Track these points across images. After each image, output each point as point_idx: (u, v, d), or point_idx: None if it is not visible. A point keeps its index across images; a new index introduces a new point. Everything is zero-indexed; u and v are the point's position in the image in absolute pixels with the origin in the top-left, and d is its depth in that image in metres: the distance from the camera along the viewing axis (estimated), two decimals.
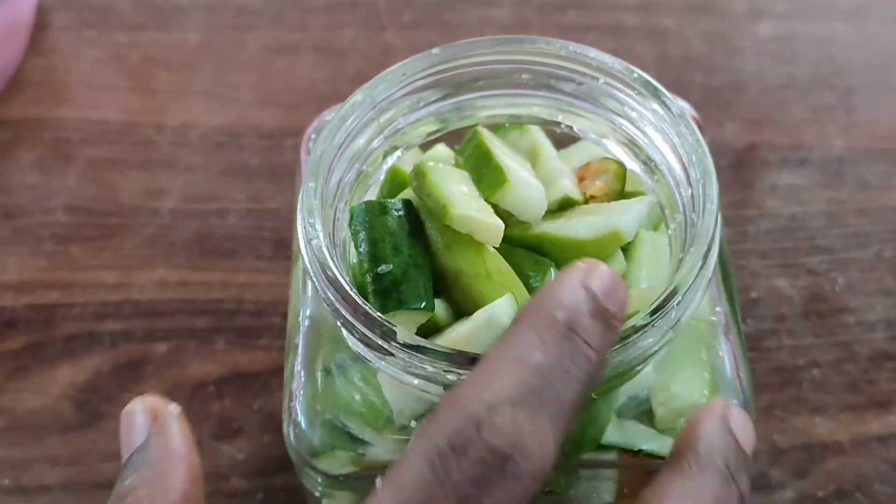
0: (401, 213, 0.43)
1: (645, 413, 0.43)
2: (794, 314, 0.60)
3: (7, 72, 0.71)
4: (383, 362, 0.39)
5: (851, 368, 0.58)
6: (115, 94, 0.71)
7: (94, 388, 0.58)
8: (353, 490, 0.44)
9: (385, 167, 0.46)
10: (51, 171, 0.67)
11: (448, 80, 0.45)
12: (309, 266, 0.40)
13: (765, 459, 0.55)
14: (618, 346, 0.37)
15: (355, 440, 0.43)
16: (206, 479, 0.54)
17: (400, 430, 0.42)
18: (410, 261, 0.42)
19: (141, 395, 0.56)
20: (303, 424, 0.43)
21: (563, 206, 0.45)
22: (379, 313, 0.38)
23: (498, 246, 0.42)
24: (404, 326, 0.38)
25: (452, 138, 0.47)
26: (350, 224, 0.43)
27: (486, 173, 0.44)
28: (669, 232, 0.43)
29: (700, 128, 0.43)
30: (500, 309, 0.40)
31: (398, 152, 0.46)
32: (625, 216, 0.42)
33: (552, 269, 0.42)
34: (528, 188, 0.43)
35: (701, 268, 0.39)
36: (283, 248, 0.63)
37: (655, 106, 0.43)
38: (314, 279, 0.40)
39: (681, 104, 0.44)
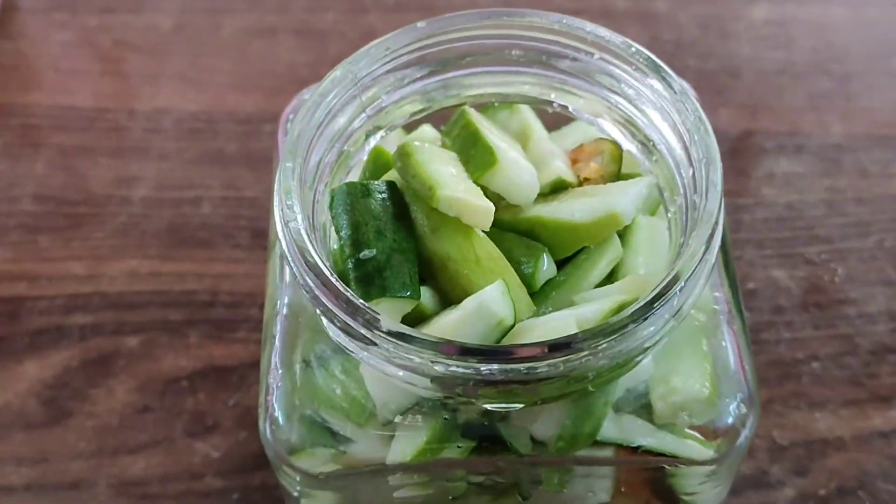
0: (384, 195, 0.41)
1: (643, 407, 0.41)
2: (793, 306, 0.58)
3: None
4: (366, 353, 0.37)
5: (852, 362, 0.56)
6: (86, 79, 0.69)
7: (61, 383, 0.56)
8: (333, 489, 0.42)
9: (367, 148, 0.44)
10: (18, 158, 0.65)
11: (434, 55, 0.43)
12: (287, 250, 0.37)
13: (764, 456, 0.53)
14: (617, 336, 0.35)
15: (336, 437, 0.41)
16: (180, 479, 0.53)
17: (384, 426, 0.40)
18: (395, 246, 0.39)
19: (111, 390, 0.55)
20: (280, 420, 0.40)
21: (555, 189, 0.42)
22: (361, 300, 0.36)
23: (487, 230, 0.40)
24: (388, 315, 0.36)
25: (438, 119, 0.45)
26: (330, 207, 0.40)
27: (474, 154, 0.42)
28: (669, 215, 0.41)
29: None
30: (490, 296, 0.38)
31: (381, 132, 0.44)
32: (622, 198, 0.40)
33: (545, 255, 0.40)
34: (518, 169, 0.41)
35: (704, 253, 0.37)
36: (261, 238, 0.60)
37: (654, 83, 0.41)
38: (292, 264, 0.37)
39: (681, 82, 0.41)
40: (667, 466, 0.41)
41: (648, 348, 0.37)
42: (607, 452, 0.41)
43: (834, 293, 0.59)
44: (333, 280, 0.36)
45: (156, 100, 0.67)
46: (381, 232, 0.40)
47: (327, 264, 0.37)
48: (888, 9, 0.72)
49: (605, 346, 0.35)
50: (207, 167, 0.64)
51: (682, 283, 0.36)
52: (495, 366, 0.35)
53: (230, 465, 0.53)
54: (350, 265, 0.39)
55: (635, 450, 0.40)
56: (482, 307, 0.37)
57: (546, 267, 0.40)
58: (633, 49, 0.41)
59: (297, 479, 0.41)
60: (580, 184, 0.43)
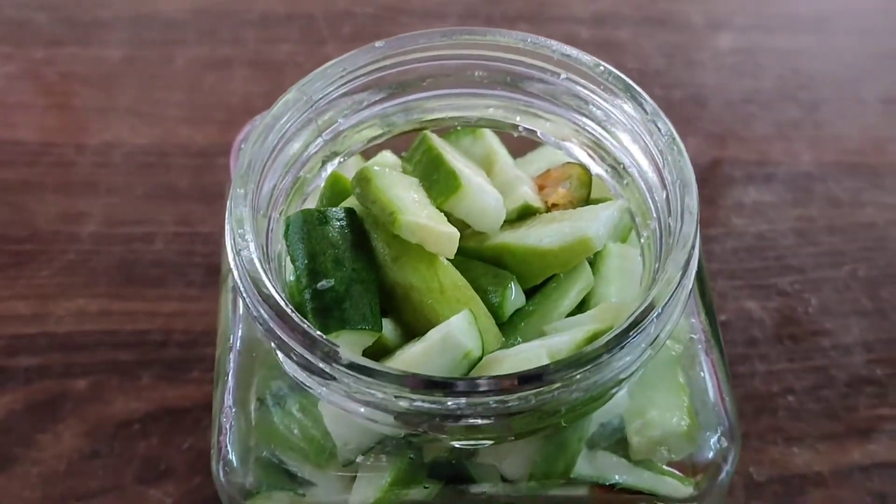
0: (343, 222, 0.39)
1: (618, 443, 0.39)
2: (766, 338, 0.56)
3: None
4: (325, 389, 0.35)
5: (829, 394, 0.54)
6: (31, 113, 0.66)
7: (5, 428, 0.54)
8: None
9: (324, 174, 0.42)
10: None
11: (393, 77, 0.41)
12: (239, 281, 0.35)
13: (741, 494, 0.51)
14: (591, 367, 0.33)
15: (295, 479, 0.39)
16: None
17: (345, 467, 0.38)
18: (354, 275, 0.38)
19: (59, 435, 0.52)
20: (234, 462, 0.38)
21: (523, 215, 0.41)
22: (319, 332, 0.34)
23: (452, 258, 0.38)
24: (348, 349, 0.34)
25: (397, 146, 0.43)
26: (285, 235, 0.39)
27: (437, 179, 0.40)
28: (642, 241, 0.39)
29: None
30: (456, 326, 0.36)
31: (338, 158, 0.42)
32: (594, 222, 0.38)
33: (513, 283, 0.38)
34: (483, 194, 0.40)
35: (681, 278, 0.35)
36: (216, 275, 0.58)
37: (624, 104, 0.40)
38: (245, 296, 0.35)
39: (652, 103, 0.40)
40: None
41: (624, 380, 0.35)
42: (581, 491, 0.39)
43: (808, 324, 0.57)
44: (289, 311, 0.34)
45: (105, 134, 0.65)
46: (339, 261, 0.38)
47: (282, 296, 0.35)
48: (853, 36, 0.71)
49: (578, 377, 0.33)
50: (159, 202, 0.62)
51: (659, 310, 0.34)
52: (463, 400, 0.33)
53: None
54: (307, 296, 0.37)
55: (611, 487, 0.38)
56: (448, 338, 0.36)
57: (514, 296, 0.38)
58: (602, 68, 0.40)
59: None
60: (548, 210, 0.41)
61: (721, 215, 0.61)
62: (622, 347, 0.34)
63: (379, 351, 0.38)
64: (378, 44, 0.40)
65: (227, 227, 0.36)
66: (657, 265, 0.37)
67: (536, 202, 0.41)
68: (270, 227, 0.39)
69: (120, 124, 0.65)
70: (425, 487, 0.37)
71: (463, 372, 0.36)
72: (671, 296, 0.35)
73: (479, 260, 0.39)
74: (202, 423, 0.53)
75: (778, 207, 0.62)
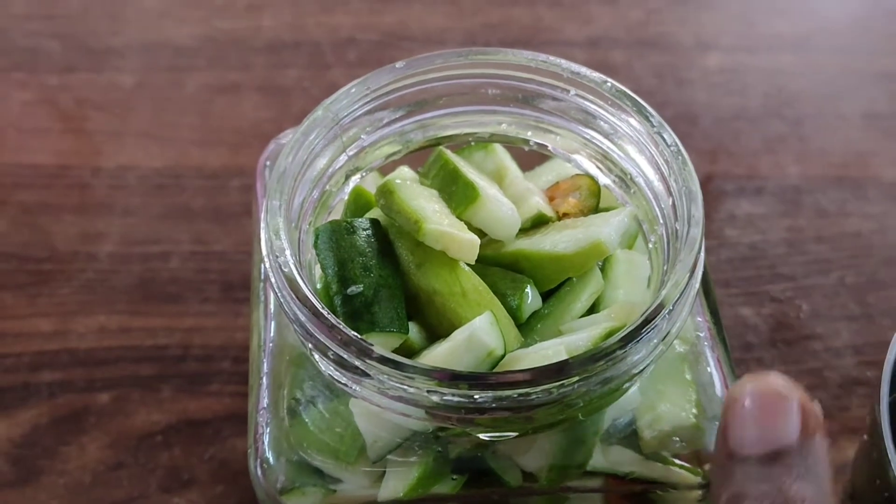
0: (369, 232, 0.41)
1: (630, 438, 0.41)
2: (761, 343, 0.59)
3: None
4: (359, 386, 0.36)
5: (823, 396, 0.57)
6: (47, 138, 0.68)
7: (30, 442, 0.55)
8: None
9: (347, 189, 0.44)
10: None
11: (412, 96, 0.43)
12: (276, 286, 0.37)
13: None
14: (607, 361, 0.35)
15: (326, 476, 0.40)
16: None
17: (374, 463, 0.40)
18: (381, 281, 0.40)
19: (83, 448, 0.54)
20: (271, 460, 0.40)
21: (536, 224, 0.43)
22: (353, 331, 0.36)
23: (473, 263, 0.40)
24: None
25: (412, 163, 0.45)
26: (315, 245, 0.40)
27: (455, 191, 0.42)
28: (650, 246, 0.42)
29: None
30: (479, 326, 0.38)
31: (360, 173, 0.44)
32: (605, 227, 0.40)
33: (530, 286, 0.40)
34: (500, 205, 0.42)
35: (689, 279, 0.37)
36: (231, 291, 0.60)
37: (630, 118, 0.42)
38: (282, 300, 0.37)
39: (658, 116, 0.42)
40: (659, 492, 0.41)
41: (637, 374, 0.37)
42: (597, 482, 0.41)
43: (800, 329, 0.59)
44: (325, 312, 0.36)
45: (119, 157, 0.67)
46: (367, 268, 0.40)
47: (318, 298, 0.37)
48: (833, 55, 0.74)
49: (596, 370, 0.35)
50: (174, 222, 0.64)
51: (670, 308, 0.36)
52: (489, 393, 0.35)
53: None
54: (338, 302, 0.39)
55: (624, 478, 0.40)
56: (472, 338, 0.37)
57: (531, 299, 0.40)
58: (609, 84, 0.42)
59: None
60: (559, 219, 0.43)
61: (714, 227, 0.64)
62: (638, 342, 0.36)
63: (405, 353, 0.39)
64: (398, 64, 0.42)
65: (263, 237, 0.38)
66: (665, 267, 0.40)
67: (549, 211, 0.43)
68: (301, 239, 0.41)
69: (134, 147, 0.67)
70: (453, 479, 0.39)
71: (487, 370, 0.38)
72: (680, 295, 0.37)
73: (497, 266, 0.41)
74: (222, 434, 0.55)
75: (768, 219, 0.64)
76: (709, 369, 0.42)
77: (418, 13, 0.75)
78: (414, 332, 0.40)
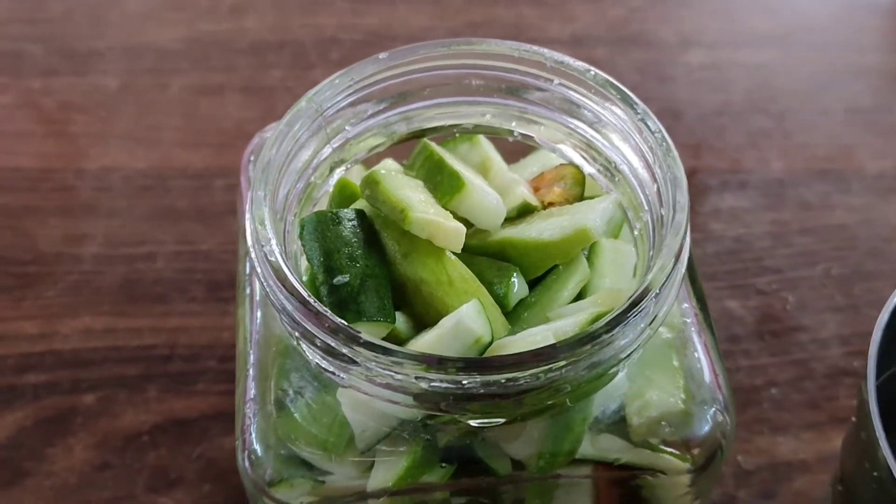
0: (354, 222, 0.41)
1: (618, 424, 0.41)
2: (748, 335, 0.59)
3: None
4: (346, 374, 0.36)
5: (810, 386, 0.57)
6: (30, 141, 0.68)
7: (16, 444, 0.55)
8: None
9: (332, 181, 0.44)
10: None
11: (396, 87, 0.43)
12: (262, 276, 0.37)
13: (730, 482, 0.53)
14: (595, 344, 0.35)
15: (314, 467, 0.40)
16: None
17: (362, 453, 0.39)
18: (367, 271, 0.39)
19: (69, 449, 0.54)
20: (258, 451, 0.40)
21: (522, 213, 0.43)
22: (340, 319, 0.36)
23: (459, 252, 0.40)
24: None
25: (397, 155, 0.45)
26: (301, 235, 0.40)
27: (440, 181, 0.42)
28: (636, 232, 0.42)
29: None
30: (467, 314, 0.38)
31: (345, 165, 0.44)
32: (591, 214, 0.40)
33: (516, 274, 0.40)
34: (485, 194, 0.42)
35: (675, 263, 0.37)
36: (217, 290, 0.60)
37: (614, 106, 0.42)
38: (269, 290, 0.37)
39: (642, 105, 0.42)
40: (648, 478, 0.41)
41: (625, 358, 0.37)
42: (585, 470, 0.41)
43: (787, 321, 0.60)
44: (312, 301, 0.36)
45: (104, 159, 0.67)
46: (353, 258, 0.40)
47: (304, 287, 0.37)
48: (814, 51, 0.74)
49: (584, 354, 0.35)
50: (159, 223, 0.63)
51: (657, 291, 0.36)
52: (477, 377, 0.35)
53: None
54: (324, 291, 0.39)
55: (612, 465, 0.40)
56: (459, 325, 0.37)
57: (518, 287, 0.40)
58: (592, 73, 0.42)
59: None
60: (544, 208, 0.43)
61: (699, 221, 0.64)
62: (625, 325, 0.36)
63: (392, 342, 0.39)
64: (382, 55, 0.42)
65: (248, 227, 0.38)
66: (651, 252, 0.40)
67: (534, 201, 0.43)
68: (286, 230, 0.41)
69: (118, 149, 0.67)
70: (442, 468, 0.39)
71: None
72: (667, 278, 0.37)
73: (484, 255, 0.41)
74: (209, 433, 0.55)
75: (753, 212, 0.64)
76: (696, 355, 0.42)
77: (402, 13, 0.75)
78: (401, 321, 0.40)
